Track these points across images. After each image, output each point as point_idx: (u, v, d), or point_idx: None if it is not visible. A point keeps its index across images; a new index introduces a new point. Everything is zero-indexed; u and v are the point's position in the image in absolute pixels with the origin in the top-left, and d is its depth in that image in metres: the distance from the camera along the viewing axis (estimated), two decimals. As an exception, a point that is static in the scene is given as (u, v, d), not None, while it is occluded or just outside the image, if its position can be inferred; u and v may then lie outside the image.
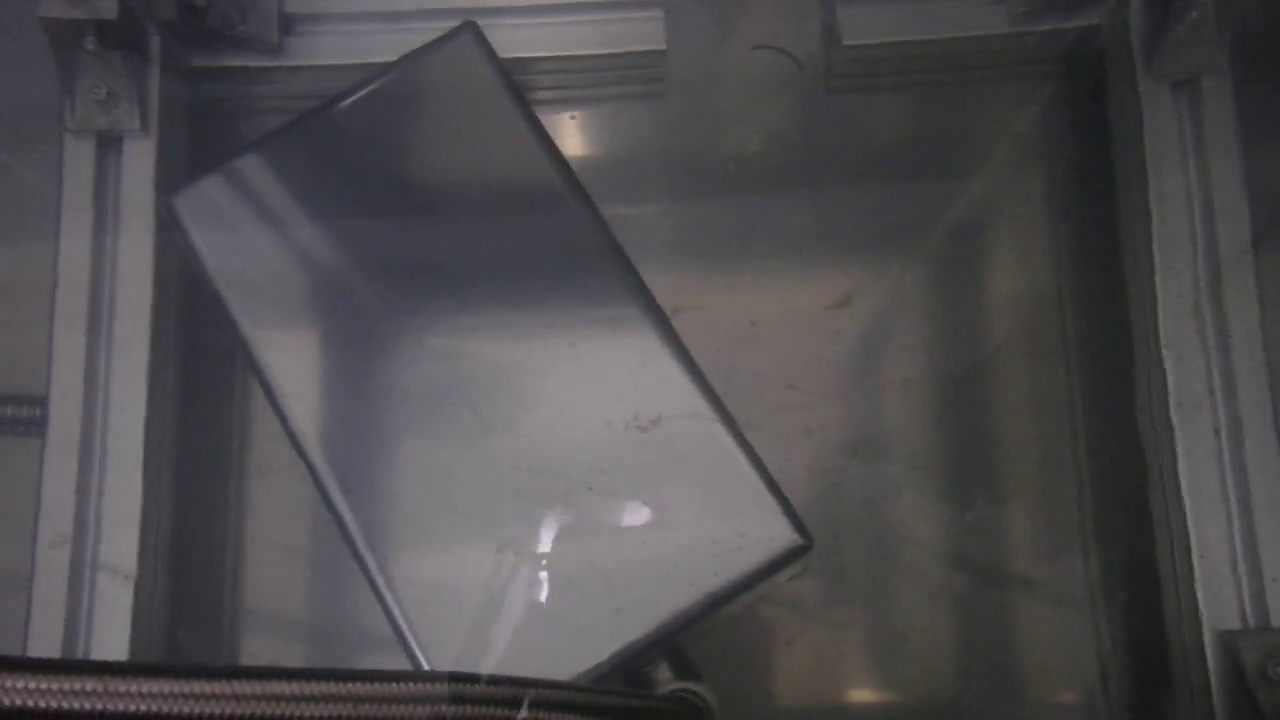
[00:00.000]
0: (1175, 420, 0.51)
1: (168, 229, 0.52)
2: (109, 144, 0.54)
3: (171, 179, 0.54)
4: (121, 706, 0.25)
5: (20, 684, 0.24)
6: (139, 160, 0.54)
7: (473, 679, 0.31)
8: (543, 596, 0.46)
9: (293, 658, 0.59)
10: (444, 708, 0.30)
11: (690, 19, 0.63)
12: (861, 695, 0.58)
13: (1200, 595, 0.49)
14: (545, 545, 0.46)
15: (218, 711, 0.26)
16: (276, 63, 0.58)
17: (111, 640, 0.50)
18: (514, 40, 0.57)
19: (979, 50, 0.60)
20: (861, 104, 0.64)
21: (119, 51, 0.51)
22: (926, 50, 0.60)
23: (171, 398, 0.55)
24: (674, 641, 0.47)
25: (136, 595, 0.50)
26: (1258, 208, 0.52)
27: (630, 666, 0.46)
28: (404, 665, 0.46)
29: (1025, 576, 0.58)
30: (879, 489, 0.59)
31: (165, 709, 0.26)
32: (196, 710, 0.26)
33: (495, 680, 0.32)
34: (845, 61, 0.61)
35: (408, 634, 0.46)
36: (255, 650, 0.58)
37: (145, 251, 0.53)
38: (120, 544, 0.50)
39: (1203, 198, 0.53)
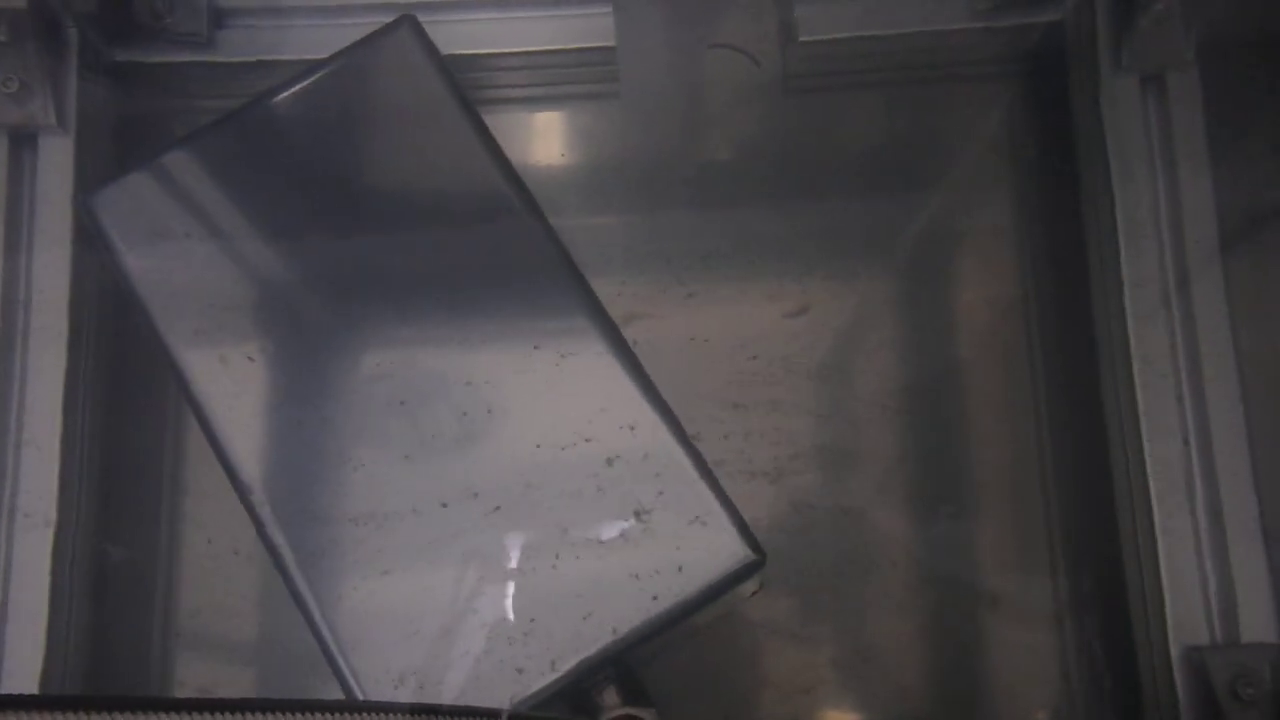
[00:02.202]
0: (1144, 430, 0.50)
1: (87, 232, 0.50)
2: (23, 141, 0.51)
3: (94, 180, 0.52)
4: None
5: None
6: (56, 158, 0.51)
7: (435, 710, 0.29)
8: (485, 617, 0.44)
9: (229, 681, 0.56)
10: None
11: (644, 17, 0.61)
12: (825, 715, 0.56)
13: (1168, 609, 0.48)
14: (489, 564, 0.45)
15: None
16: (207, 58, 0.56)
17: (23, 668, 0.47)
18: (455, 35, 0.55)
19: (940, 47, 0.59)
20: (822, 105, 0.62)
21: (33, 43, 0.48)
22: (886, 47, 0.58)
23: (93, 414, 0.52)
24: (623, 663, 0.45)
25: (51, 620, 0.48)
26: (1226, 207, 0.51)
27: (577, 689, 0.44)
28: (338, 693, 0.44)
29: (993, 591, 0.56)
30: (843, 503, 0.57)
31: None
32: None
33: (458, 711, 0.30)
34: (803, 59, 0.59)
35: (341, 662, 0.44)
36: (188, 675, 0.56)
37: (63, 256, 0.51)
38: (32, 569, 0.48)
39: (1169, 197, 0.52)
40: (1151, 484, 0.49)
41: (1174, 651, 0.47)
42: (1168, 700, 0.47)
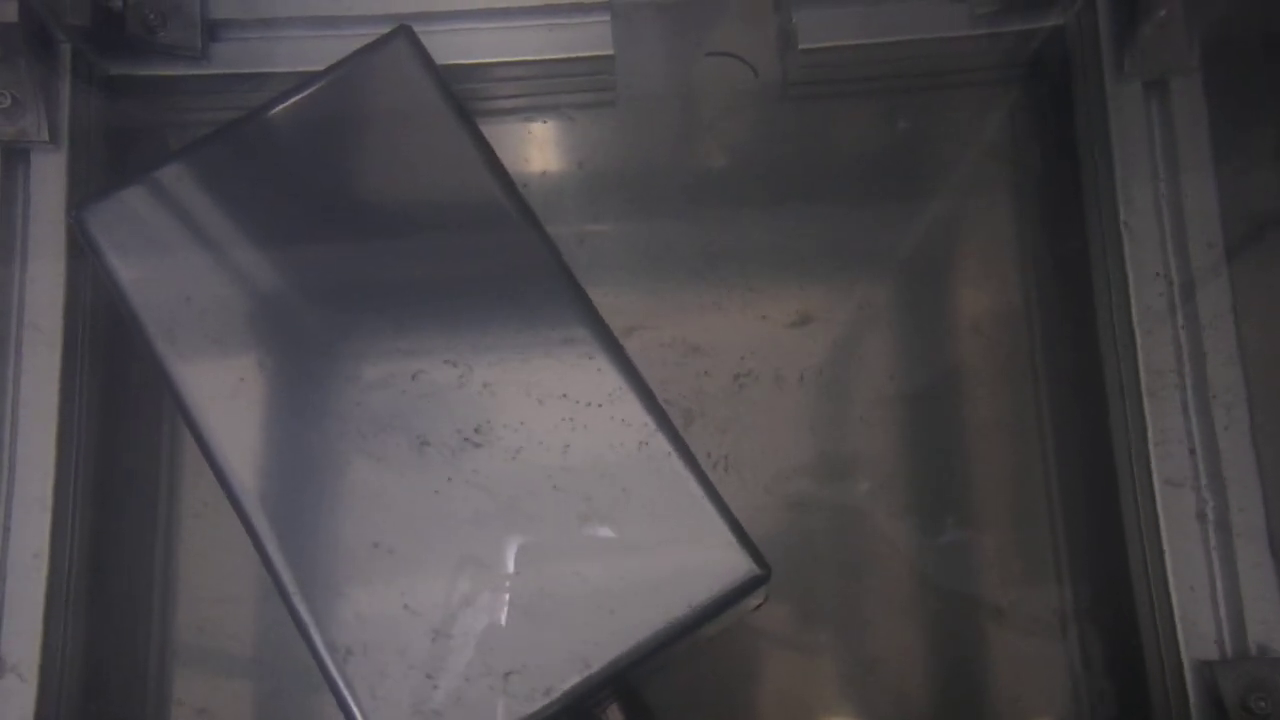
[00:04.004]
0: (1150, 439, 0.49)
1: (80, 247, 0.49)
2: (15, 157, 0.51)
3: (87, 194, 0.51)
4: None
5: None
6: (48, 174, 0.51)
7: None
8: (485, 634, 0.43)
9: (227, 699, 0.56)
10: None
11: (641, 25, 0.61)
12: (829, 728, 0.55)
13: (1178, 624, 0.47)
14: (488, 582, 0.44)
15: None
16: (201, 71, 0.55)
17: (18, 687, 0.47)
18: (452, 46, 0.55)
19: (941, 54, 0.58)
20: (822, 113, 0.62)
21: (24, 57, 0.48)
22: (887, 54, 0.58)
23: (87, 429, 0.52)
24: (626, 681, 0.44)
25: (45, 637, 0.48)
26: (1231, 213, 0.50)
27: (580, 708, 0.44)
28: (335, 710, 0.44)
29: (997, 602, 0.56)
30: (845, 514, 0.57)
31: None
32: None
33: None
34: (802, 67, 0.59)
35: (338, 678, 0.43)
36: (185, 693, 0.55)
37: (56, 272, 0.50)
38: (26, 587, 0.48)
39: (1173, 203, 0.51)
40: (1158, 495, 0.48)
41: (1184, 666, 0.47)
42: (1178, 712, 0.47)
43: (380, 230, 0.49)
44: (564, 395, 0.46)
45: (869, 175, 0.61)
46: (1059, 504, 0.57)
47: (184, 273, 0.48)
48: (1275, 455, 0.48)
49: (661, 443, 0.45)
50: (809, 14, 0.57)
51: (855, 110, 0.62)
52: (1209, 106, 0.52)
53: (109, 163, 0.55)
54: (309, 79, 0.50)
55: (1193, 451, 0.49)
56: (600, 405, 0.46)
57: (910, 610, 0.56)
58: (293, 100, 0.50)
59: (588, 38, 0.57)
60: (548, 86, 0.60)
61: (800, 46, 0.57)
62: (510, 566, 0.44)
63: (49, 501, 0.49)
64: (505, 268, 0.48)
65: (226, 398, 0.46)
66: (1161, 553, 0.48)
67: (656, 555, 0.44)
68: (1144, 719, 0.49)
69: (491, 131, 0.51)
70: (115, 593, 0.54)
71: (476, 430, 0.46)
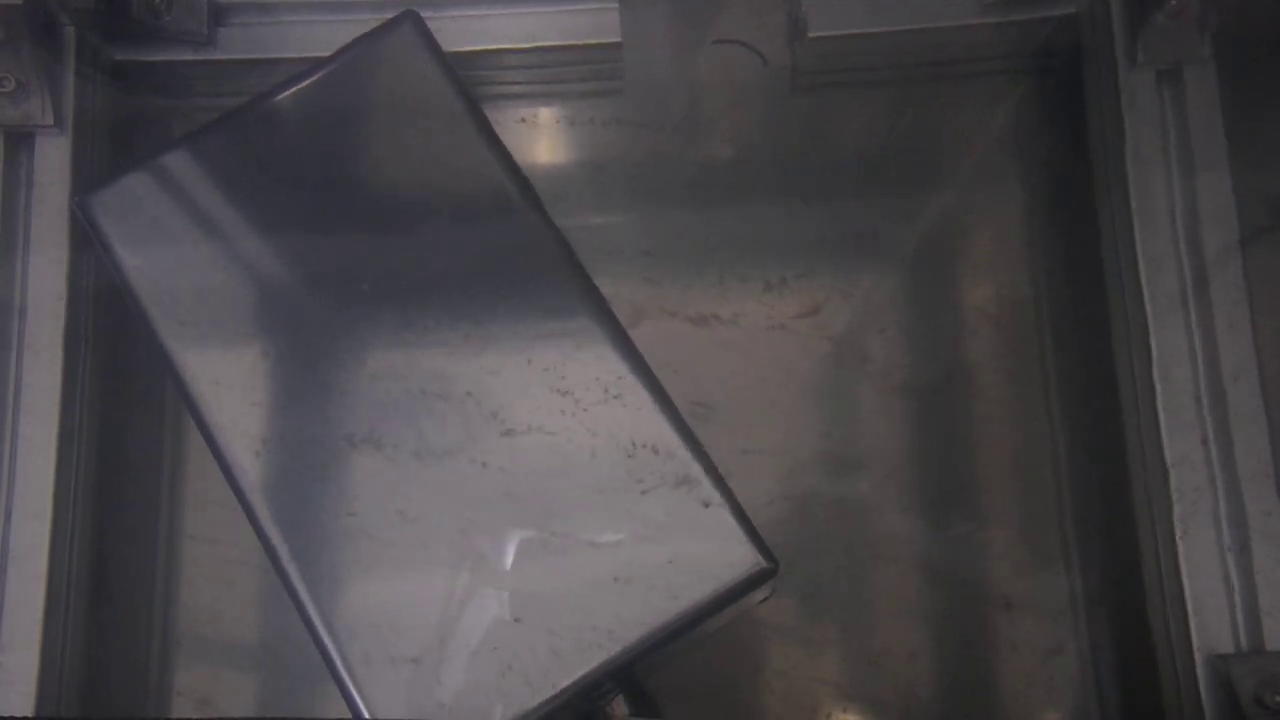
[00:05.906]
0: (1162, 431, 0.48)
1: (84, 233, 0.49)
2: (19, 141, 0.51)
3: (91, 180, 0.51)
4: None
5: None
6: (52, 159, 0.50)
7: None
8: (490, 626, 0.43)
9: (230, 690, 0.56)
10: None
11: (648, 12, 0.60)
12: (835, 721, 0.55)
13: (1191, 617, 0.46)
14: (494, 573, 0.44)
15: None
16: (206, 56, 0.55)
17: (18, 677, 0.47)
18: (459, 32, 0.55)
19: (951, 43, 0.58)
20: (830, 102, 0.62)
21: (28, 41, 0.48)
22: (896, 43, 0.57)
23: (90, 418, 0.51)
24: (631, 673, 0.44)
25: (46, 627, 0.47)
26: (1244, 203, 0.50)
27: (585, 700, 0.43)
28: (339, 701, 0.44)
29: (1006, 595, 0.55)
30: (852, 506, 0.56)
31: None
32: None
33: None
34: (811, 56, 0.58)
35: (341, 669, 0.43)
36: (187, 684, 0.55)
37: (59, 258, 0.50)
38: (28, 578, 0.47)
39: (1186, 193, 0.51)
40: (1171, 487, 0.48)
41: (1197, 660, 0.46)
42: (1190, 707, 0.46)
43: (385, 218, 0.48)
44: (570, 386, 0.46)
45: (877, 166, 0.61)
46: (1069, 496, 0.56)
47: (188, 260, 0.48)
48: (1290, 446, 0.47)
49: (669, 434, 0.45)
50: (818, 2, 0.56)
51: (864, 100, 0.61)
52: (1222, 95, 0.51)
53: (113, 148, 0.55)
54: (314, 65, 0.50)
55: (1205, 442, 0.48)
56: (607, 396, 0.46)
57: (918, 602, 0.55)
58: (298, 86, 0.50)
59: (595, 25, 0.57)
60: (554, 74, 0.59)
61: (809, 35, 0.56)
62: (516, 558, 0.44)
63: (50, 489, 0.48)
64: (511, 256, 0.48)
65: (230, 385, 0.46)
66: (1174, 544, 0.47)
67: (663, 548, 0.44)
68: (1156, 712, 0.49)
69: (497, 118, 0.50)
70: (117, 583, 0.54)
71: (481, 421, 0.46)
